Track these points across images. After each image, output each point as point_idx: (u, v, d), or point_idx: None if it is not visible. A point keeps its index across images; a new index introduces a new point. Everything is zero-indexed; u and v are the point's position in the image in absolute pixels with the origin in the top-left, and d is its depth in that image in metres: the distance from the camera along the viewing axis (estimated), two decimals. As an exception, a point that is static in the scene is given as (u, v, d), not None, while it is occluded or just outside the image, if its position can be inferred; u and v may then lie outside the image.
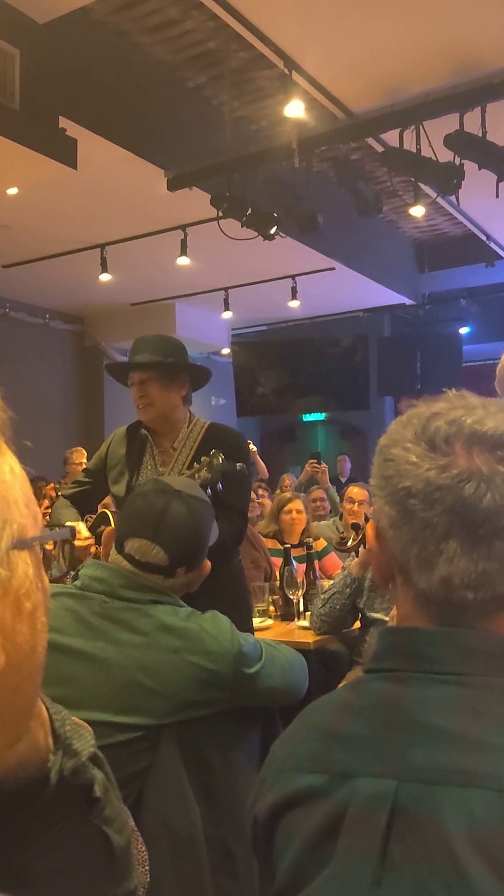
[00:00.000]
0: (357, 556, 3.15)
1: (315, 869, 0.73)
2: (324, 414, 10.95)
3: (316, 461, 6.16)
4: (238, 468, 2.42)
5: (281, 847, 0.78)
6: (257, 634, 2.07)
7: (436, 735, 0.70)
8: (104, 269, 6.89)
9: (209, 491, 2.33)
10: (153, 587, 1.59)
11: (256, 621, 3.45)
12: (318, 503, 5.74)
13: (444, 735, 0.70)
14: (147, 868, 0.84)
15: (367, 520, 2.97)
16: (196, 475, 2.39)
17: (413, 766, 0.69)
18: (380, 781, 0.70)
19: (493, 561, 0.73)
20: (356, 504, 4.58)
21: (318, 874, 0.72)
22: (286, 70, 4.53)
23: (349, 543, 3.14)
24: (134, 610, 1.54)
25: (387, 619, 2.94)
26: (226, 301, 8.34)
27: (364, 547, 3.04)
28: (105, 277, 6.95)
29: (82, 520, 2.77)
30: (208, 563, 1.69)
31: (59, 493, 2.91)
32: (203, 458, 2.44)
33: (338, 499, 5.68)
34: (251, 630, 2.71)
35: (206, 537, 1.67)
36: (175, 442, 2.65)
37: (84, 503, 2.82)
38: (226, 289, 8.23)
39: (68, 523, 2.63)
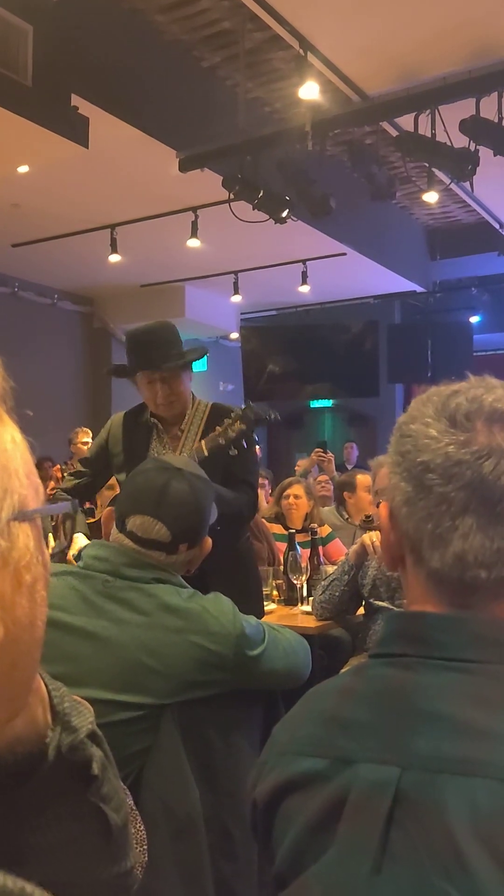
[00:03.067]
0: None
1: (314, 854, 0.72)
2: (332, 401, 10.92)
3: (322, 450, 6.14)
4: (272, 417, 2.40)
5: (280, 831, 0.77)
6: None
7: (440, 723, 0.69)
8: (114, 250, 6.86)
9: (244, 444, 2.32)
10: (155, 565, 1.59)
11: (260, 605, 3.45)
12: (322, 484, 5.74)
13: (449, 723, 0.69)
14: (145, 847, 0.83)
15: None
16: (228, 429, 2.37)
17: (416, 754, 0.68)
18: (382, 768, 0.69)
19: None
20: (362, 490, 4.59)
21: (317, 859, 0.72)
22: (301, 51, 4.49)
23: (375, 522, 3.13)
24: (136, 589, 1.53)
25: (391, 607, 2.94)
26: (235, 285, 8.31)
27: None
28: (114, 258, 6.93)
29: (81, 507, 2.76)
30: (209, 541, 1.69)
31: (60, 489, 2.82)
32: (234, 413, 2.41)
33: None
34: (261, 613, 2.73)
35: (207, 514, 1.67)
36: (182, 424, 2.64)
37: (84, 494, 2.79)
38: (235, 272, 8.20)
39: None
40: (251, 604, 2.58)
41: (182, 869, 1.40)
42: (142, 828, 0.83)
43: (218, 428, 2.41)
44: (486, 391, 0.77)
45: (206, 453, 2.38)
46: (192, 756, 1.46)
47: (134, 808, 0.82)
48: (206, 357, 4.88)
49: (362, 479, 4.77)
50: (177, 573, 1.62)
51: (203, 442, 2.41)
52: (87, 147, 4.75)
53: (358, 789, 0.70)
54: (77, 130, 4.69)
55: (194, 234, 6.37)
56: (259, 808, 0.80)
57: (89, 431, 6.72)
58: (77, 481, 2.76)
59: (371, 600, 3.09)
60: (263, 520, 4.38)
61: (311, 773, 0.75)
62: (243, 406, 2.41)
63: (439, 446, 0.74)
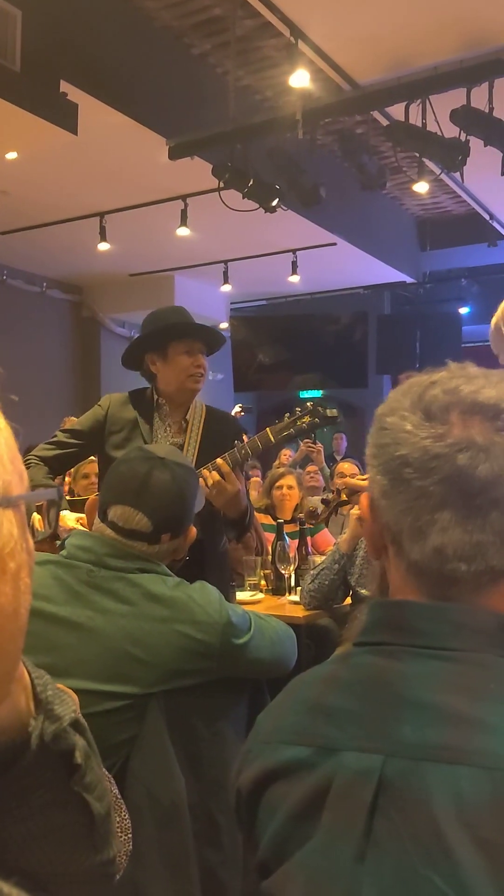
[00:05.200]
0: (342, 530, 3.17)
1: (297, 842, 0.72)
2: (321, 391, 10.93)
3: (311, 440, 6.15)
4: (339, 419, 2.55)
5: (264, 819, 0.77)
6: (248, 608, 2.09)
7: (424, 710, 0.69)
8: (103, 239, 6.82)
9: (311, 436, 2.46)
10: (139, 555, 1.58)
11: (247, 595, 3.47)
12: (311, 475, 5.75)
13: (433, 711, 0.69)
14: (130, 836, 0.83)
15: (338, 493, 3.00)
16: (298, 421, 2.47)
17: (400, 742, 0.68)
18: (366, 756, 0.69)
19: (488, 532, 0.72)
20: (347, 479, 4.60)
21: (300, 847, 0.72)
22: (292, 39, 4.46)
23: (321, 515, 3.17)
24: (121, 579, 1.53)
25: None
26: (225, 274, 8.28)
27: (336, 515, 3.09)
28: (104, 247, 6.89)
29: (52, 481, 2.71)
30: (194, 530, 1.69)
31: (34, 454, 2.66)
32: (301, 408, 2.51)
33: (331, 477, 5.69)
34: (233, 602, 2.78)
35: (190, 503, 1.66)
36: (187, 415, 2.67)
37: (62, 467, 2.73)
38: (225, 261, 8.17)
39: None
40: (226, 588, 2.65)
41: (167, 857, 1.41)
42: (127, 816, 0.83)
43: (287, 417, 2.51)
44: (465, 381, 0.76)
45: (272, 440, 2.49)
46: (178, 745, 1.46)
47: (119, 796, 0.82)
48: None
49: (339, 467, 4.85)
50: (161, 562, 1.61)
51: (269, 430, 2.50)
52: (76, 134, 4.71)
53: (342, 777, 0.70)
54: (66, 117, 4.64)
55: (184, 222, 6.34)
56: (243, 796, 0.80)
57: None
58: (60, 451, 2.68)
59: (358, 589, 3.10)
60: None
61: (295, 762, 0.75)
62: (310, 404, 2.52)
63: (415, 440, 0.74)
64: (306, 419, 2.47)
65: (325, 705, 0.76)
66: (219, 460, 2.44)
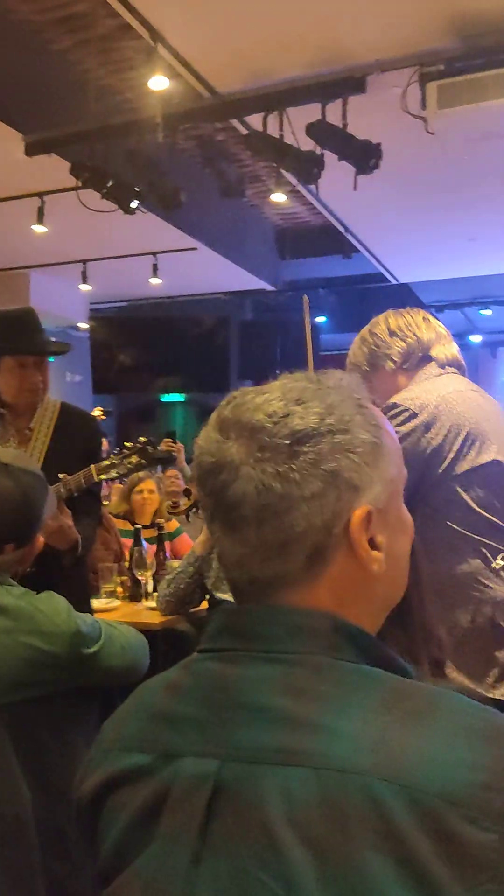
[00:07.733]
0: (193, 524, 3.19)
1: (137, 848, 0.73)
2: (183, 395, 10.94)
3: (172, 440, 6.13)
4: (173, 455, 2.50)
5: (104, 828, 0.77)
6: (103, 616, 2.06)
7: (260, 714, 0.71)
8: (-46, 233, 6.56)
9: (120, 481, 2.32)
10: None
11: (103, 602, 3.42)
12: (172, 479, 5.74)
13: (269, 714, 0.70)
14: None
15: None
16: (125, 461, 2.38)
17: (236, 746, 0.70)
18: (203, 761, 0.71)
19: (246, 546, 0.76)
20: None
21: (140, 854, 0.72)
22: (151, 42, 4.44)
23: (181, 507, 3.19)
24: None
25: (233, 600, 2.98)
26: (84, 274, 8.14)
27: (196, 511, 3.13)
28: (-45, 242, 6.62)
29: None
30: (41, 539, 1.65)
31: None
32: (130, 446, 2.42)
33: (192, 479, 5.68)
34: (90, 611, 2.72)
35: (37, 511, 1.62)
36: (31, 422, 2.56)
37: None
38: (84, 261, 8.03)
39: None
40: (84, 597, 2.60)
41: (10, 873, 1.37)
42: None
43: (112, 457, 2.43)
44: (255, 396, 0.79)
45: (95, 479, 2.40)
46: (24, 757, 1.43)
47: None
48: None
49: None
50: (5, 573, 1.57)
51: (94, 467, 2.40)
52: None
53: (180, 783, 0.71)
54: None
55: (40, 220, 6.18)
56: (84, 805, 0.80)
57: None
58: None
59: (214, 592, 3.12)
60: (110, 515, 4.33)
61: (136, 769, 0.75)
62: (142, 439, 2.44)
63: (198, 454, 0.79)
64: (134, 459, 2.41)
65: (166, 712, 0.77)
66: None
